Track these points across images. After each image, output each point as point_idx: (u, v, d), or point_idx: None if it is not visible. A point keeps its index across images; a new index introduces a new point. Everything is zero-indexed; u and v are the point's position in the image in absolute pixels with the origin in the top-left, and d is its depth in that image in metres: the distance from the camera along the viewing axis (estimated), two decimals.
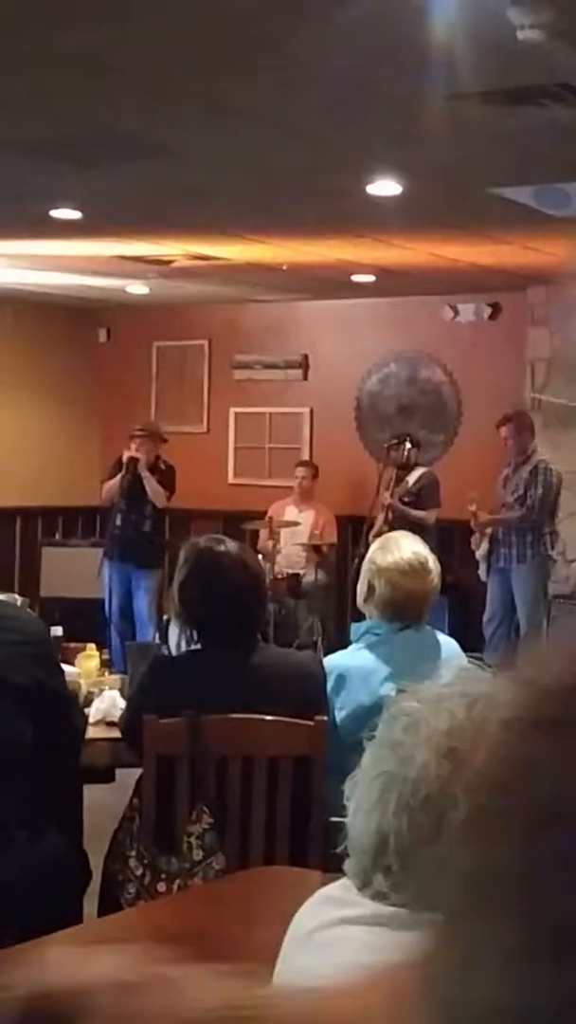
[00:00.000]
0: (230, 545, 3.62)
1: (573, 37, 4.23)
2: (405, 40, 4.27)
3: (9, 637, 3.35)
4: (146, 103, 5.34)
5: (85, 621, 9.79)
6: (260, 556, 9.76)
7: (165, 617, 8.11)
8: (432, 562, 3.90)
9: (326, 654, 4.24)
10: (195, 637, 3.55)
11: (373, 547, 3.97)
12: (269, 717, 3.35)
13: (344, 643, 4.11)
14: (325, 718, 3.44)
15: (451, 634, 4.18)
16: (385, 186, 6.61)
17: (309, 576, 10.33)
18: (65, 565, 11.19)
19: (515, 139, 5.62)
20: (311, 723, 3.38)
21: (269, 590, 8.72)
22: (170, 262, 9.30)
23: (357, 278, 9.99)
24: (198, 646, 3.55)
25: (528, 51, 4.24)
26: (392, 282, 10.08)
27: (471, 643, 8.26)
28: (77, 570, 10.85)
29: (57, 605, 10.28)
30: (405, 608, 3.84)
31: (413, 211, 7.27)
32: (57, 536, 11.89)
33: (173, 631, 6.79)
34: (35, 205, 7.37)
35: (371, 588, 3.86)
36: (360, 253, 8.84)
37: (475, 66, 4.51)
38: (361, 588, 3.91)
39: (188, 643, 3.58)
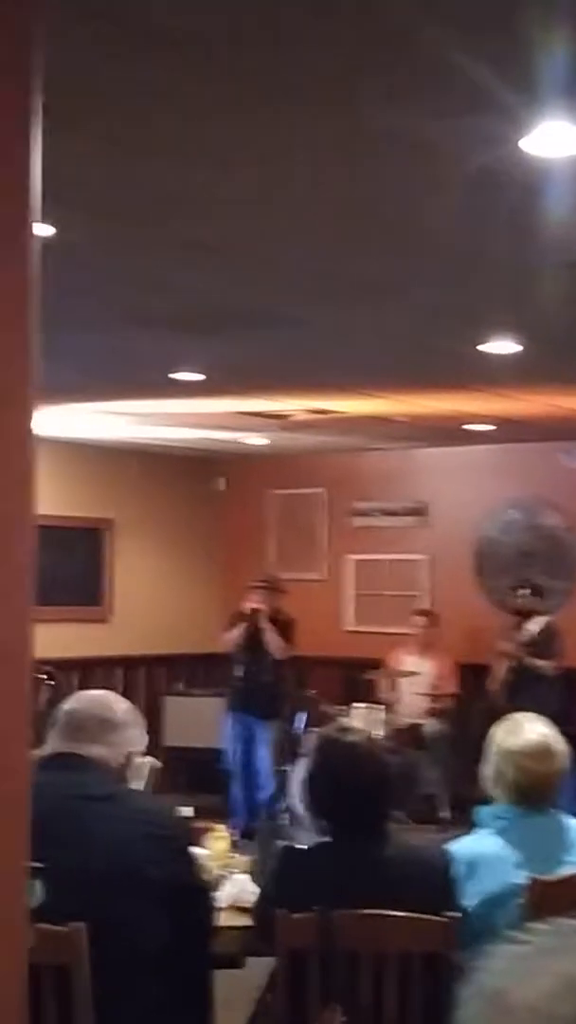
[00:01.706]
0: (357, 735, 3.64)
1: None
2: (519, 209, 4.35)
3: (148, 830, 3.35)
4: (266, 280, 5.50)
5: (206, 770, 9.85)
6: (382, 707, 9.74)
7: (283, 769, 8.09)
8: (559, 743, 3.90)
9: (452, 823, 4.21)
10: (325, 829, 3.56)
11: (499, 730, 3.97)
12: (401, 914, 3.33)
13: (471, 801, 4.09)
14: (458, 914, 3.41)
15: None
16: (502, 345, 6.68)
17: (430, 726, 10.26)
18: (188, 714, 11.26)
19: None
20: (443, 920, 3.35)
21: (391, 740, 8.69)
22: (289, 416, 9.45)
23: (473, 427, 10.04)
24: (328, 838, 3.56)
25: None
26: (510, 430, 10.11)
27: None
28: (199, 719, 10.92)
29: (180, 754, 10.34)
30: (533, 792, 3.83)
31: (532, 368, 7.33)
32: (180, 685, 11.96)
33: (295, 781, 6.78)
34: (155, 370, 7.55)
35: (499, 773, 3.86)
36: (477, 405, 8.90)
37: None
38: (488, 772, 3.91)
39: (319, 833, 3.59)
